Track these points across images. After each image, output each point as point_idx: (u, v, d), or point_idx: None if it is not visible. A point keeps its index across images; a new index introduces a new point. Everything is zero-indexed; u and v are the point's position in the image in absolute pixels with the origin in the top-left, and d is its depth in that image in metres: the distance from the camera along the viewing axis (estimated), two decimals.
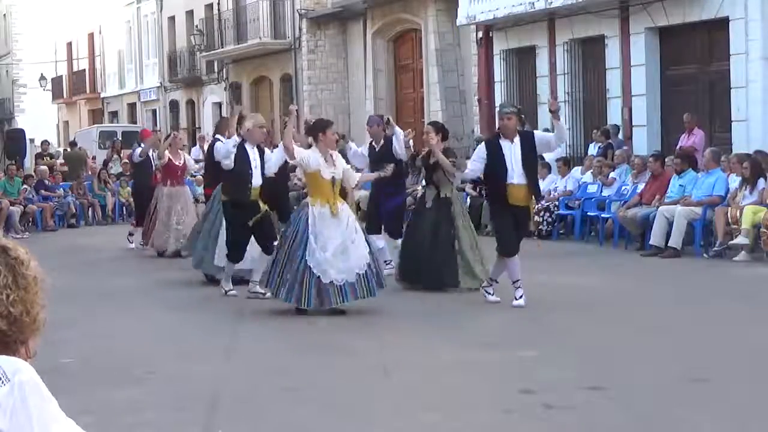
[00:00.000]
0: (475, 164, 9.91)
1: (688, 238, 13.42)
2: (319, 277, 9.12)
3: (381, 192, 11.66)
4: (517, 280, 9.63)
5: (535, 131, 10.87)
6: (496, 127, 9.96)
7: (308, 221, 9.23)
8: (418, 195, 12.15)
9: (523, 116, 10.12)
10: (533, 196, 9.81)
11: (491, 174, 9.77)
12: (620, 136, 18.47)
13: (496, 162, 9.58)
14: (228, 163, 10.27)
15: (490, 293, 9.89)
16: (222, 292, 10.71)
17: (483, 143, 10.22)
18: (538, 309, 9.45)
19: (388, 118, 11.88)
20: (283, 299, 9.35)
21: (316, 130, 9.61)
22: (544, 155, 14.23)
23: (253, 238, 10.57)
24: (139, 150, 15.89)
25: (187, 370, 7.32)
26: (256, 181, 10.39)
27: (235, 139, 10.37)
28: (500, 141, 9.64)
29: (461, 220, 10.92)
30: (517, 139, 9.59)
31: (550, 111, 9.76)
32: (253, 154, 10.39)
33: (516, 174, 9.52)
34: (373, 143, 11.94)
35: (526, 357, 7.52)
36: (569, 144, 19.62)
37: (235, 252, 10.63)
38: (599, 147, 18.25)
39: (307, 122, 10.88)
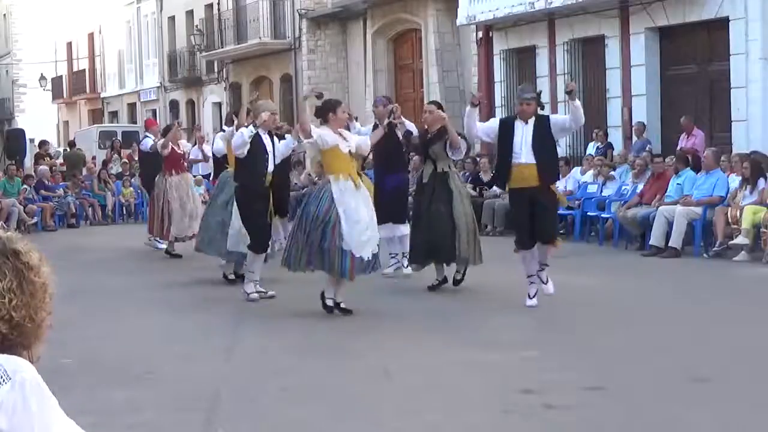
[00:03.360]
0: (487, 128, 9.90)
1: (688, 238, 13.42)
2: (350, 251, 9.08)
3: (382, 173, 11.51)
4: (530, 276, 9.65)
5: (551, 114, 10.79)
6: (515, 111, 9.92)
7: (333, 197, 9.15)
8: (417, 175, 11.76)
9: (542, 102, 9.86)
10: (549, 178, 9.59)
11: (499, 154, 9.91)
12: (622, 134, 18.48)
13: (505, 142, 9.60)
14: (242, 152, 10.21)
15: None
16: (245, 296, 10.30)
17: (498, 119, 10.43)
18: (539, 309, 9.48)
19: (392, 110, 11.06)
20: (312, 269, 9.30)
21: (326, 110, 9.58)
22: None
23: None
24: (150, 142, 15.28)
25: (187, 370, 7.32)
26: (270, 167, 10.34)
27: (251, 129, 10.29)
28: (515, 122, 9.63)
29: (459, 196, 10.55)
30: (531, 121, 9.52)
31: (567, 92, 9.79)
32: (266, 140, 10.38)
33: (524, 153, 9.46)
34: (378, 124, 11.73)
35: (527, 357, 7.51)
36: (569, 144, 19.64)
37: (263, 240, 10.35)
38: (599, 147, 18.26)
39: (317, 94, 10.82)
